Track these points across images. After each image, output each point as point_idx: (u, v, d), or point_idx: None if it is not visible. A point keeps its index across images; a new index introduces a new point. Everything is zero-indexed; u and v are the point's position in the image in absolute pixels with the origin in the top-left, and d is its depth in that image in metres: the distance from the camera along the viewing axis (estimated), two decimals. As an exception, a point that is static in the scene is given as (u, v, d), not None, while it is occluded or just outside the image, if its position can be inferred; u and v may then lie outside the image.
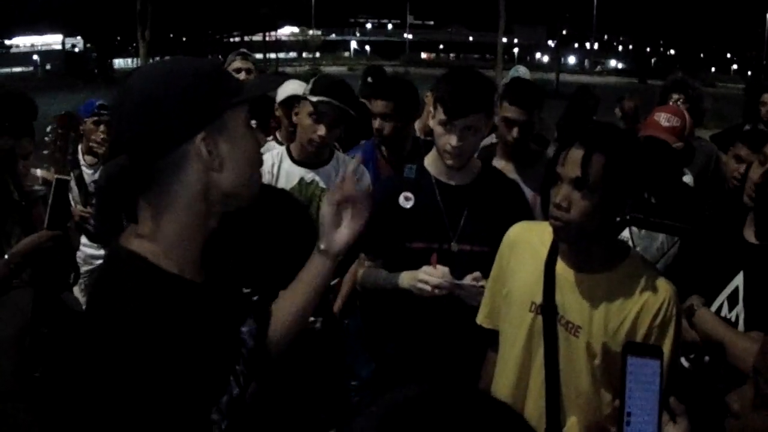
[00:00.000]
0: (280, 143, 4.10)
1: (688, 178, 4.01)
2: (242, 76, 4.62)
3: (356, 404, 3.77)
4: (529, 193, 3.39)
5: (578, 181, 2.02)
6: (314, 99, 3.26)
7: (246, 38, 63.70)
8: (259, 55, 44.48)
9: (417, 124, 4.50)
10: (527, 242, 2.35)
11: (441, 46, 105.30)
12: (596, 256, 2.16)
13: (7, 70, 49.74)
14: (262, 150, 3.08)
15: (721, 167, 4.44)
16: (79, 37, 59.46)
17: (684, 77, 5.05)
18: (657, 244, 3.30)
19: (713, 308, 2.50)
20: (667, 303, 2.09)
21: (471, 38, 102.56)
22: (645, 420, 1.56)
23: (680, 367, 2.51)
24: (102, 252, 4.69)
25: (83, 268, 4.46)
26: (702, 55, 79.01)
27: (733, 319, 2.46)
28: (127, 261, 1.43)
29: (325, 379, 3.20)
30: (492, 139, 4.20)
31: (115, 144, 1.49)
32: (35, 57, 56.94)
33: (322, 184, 3.42)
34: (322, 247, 1.79)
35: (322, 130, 3.29)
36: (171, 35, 57.95)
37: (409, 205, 2.85)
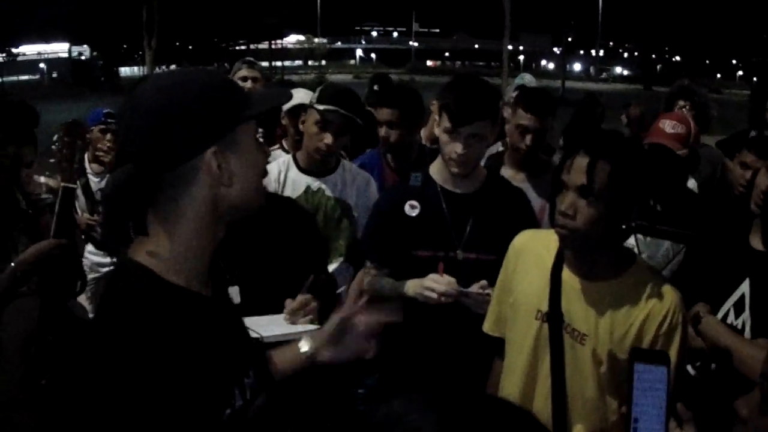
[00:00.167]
0: (287, 152, 4.11)
1: (691, 183, 4.00)
2: (248, 84, 4.63)
3: (362, 413, 3.76)
4: (539, 201, 3.39)
5: (584, 189, 2.02)
6: (321, 108, 3.27)
7: (252, 46, 63.80)
8: (264, 64, 44.49)
9: (423, 132, 4.50)
10: (533, 250, 2.35)
11: (446, 54, 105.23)
12: (602, 264, 2.16)
13: (14, 78, 49.92)
14: (269, 159, 3.09)
15: (727, 174, 4.43)
16: (85, 46, 59.69)
17: (690, 84, 5.01)
18: (662, 251, 3.30)
19: (719, 316, 2.49)
20: (673, 310, 2.09)
21: (476, 46, 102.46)
22: (652, 426, 1.56)
23: (686, 374, 2.50)
24: (108, 260, 4.70)
25: (90, 276, 4.46)
26: (707, 62, 78.89)
27: (739, 327, 2.45)
28: (135, 274, 1.42)
29: (331, 388, 3.20)
30: (498, 147, 4.20)
31: (121, 154, 1.47)
32: (42, 65, 57.11)
33: (328, 193, 3.43)
34: (309, 352, 1.81)
35: (328, 139, 3.29)
36: (177, 44, 58.20)
37: (414, 213, 2.85)
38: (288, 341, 1.91)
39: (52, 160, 2.93)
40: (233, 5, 54.89)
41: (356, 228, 3.44)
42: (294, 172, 3.46)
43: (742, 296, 2.47)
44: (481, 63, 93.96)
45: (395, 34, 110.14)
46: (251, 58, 5.13)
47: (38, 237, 2.88)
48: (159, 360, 1.33)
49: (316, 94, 3.38)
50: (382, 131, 3.91)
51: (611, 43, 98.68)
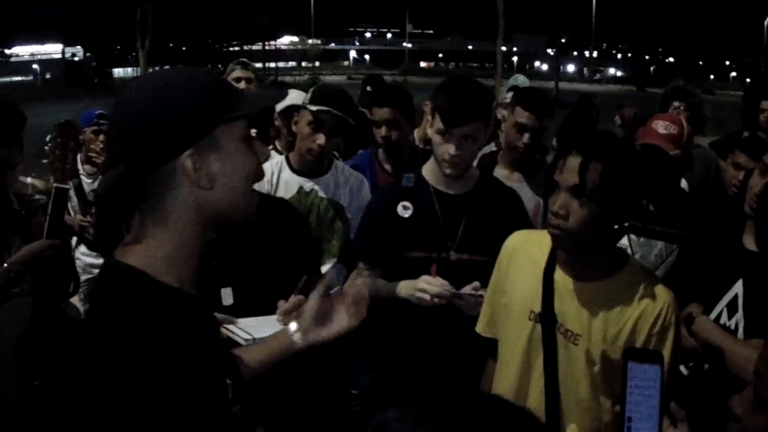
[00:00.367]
0: (280, 152, 4.11)
1: (683, 184, 4.01)
2: (242, 85, 4.63)
3: (356, 414, 3.77)
4: (533, 201, 3.39)
5: (576, 189, 2.02)
6: (314, 108, 3.26)
7: (246, 47, 63.88)
8: (258, 65, 44.57)
9: (415, 133, 4.50)
10: (526, 251, 2.35)
11: (440, 55, 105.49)
12: (595, 264, 2.16)
13: (7, 79, 49.77)
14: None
15: (720, 174, 4.44)
16: (78, 47, 59.47)
17: (685, 84, 5.01)
18: (655, 252, 3.31)
19: (712, 316, 2.49)
20: (665, 310, 2.10)
21: (470, 47, 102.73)
22: (645, 425, 1.56)
23: (679, 374, 2.51)
24: (101, 261, 4.69)
25: (83, 277, 4.45)
26: (700, 63, 79.16)
27: (732, 327, 2.46)
28: (124, 275, 1.41)
29: (325, 389, 3.19)
30: (491, 147, 4.19)
31: (110, 154, 1.47)
32: (35, 66, 56.87)
33: (321, 193, 3.42)
34: (299, 333, 1.85)
35: (321, 139, 3.29)
36: (171, 45, 58.13)
37: (407, 214, 2.85)
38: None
39: (44, 161, 2.92)
40: (227, 6, 54.91)
41: (349, 229, 3.44)
42: (287, 172, 3.45)
43: (736, 297, 2.48)
44: (474, 64, 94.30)
45: (389, 35, 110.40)
46: (245, 59, 5.14)
47: (31, 238, 2.87)
48: (157, 360, 1.33)
49: (309, 95, 3.38)
50: (383, 131, 3.90)
51: (605, 45, 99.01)
